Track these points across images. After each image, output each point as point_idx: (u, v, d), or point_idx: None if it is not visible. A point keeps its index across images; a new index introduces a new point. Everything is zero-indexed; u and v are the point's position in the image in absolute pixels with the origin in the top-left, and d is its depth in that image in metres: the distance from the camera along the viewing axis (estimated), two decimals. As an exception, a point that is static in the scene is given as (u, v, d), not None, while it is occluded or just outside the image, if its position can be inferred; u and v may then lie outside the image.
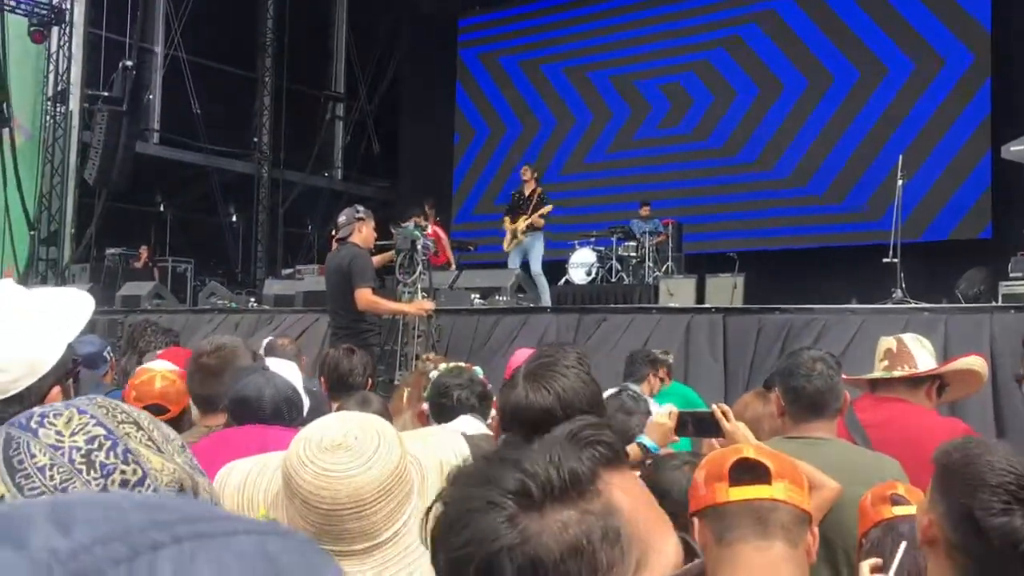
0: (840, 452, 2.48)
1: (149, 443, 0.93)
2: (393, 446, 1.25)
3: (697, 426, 2.46)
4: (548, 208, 10.69)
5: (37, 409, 0.94)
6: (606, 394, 2.91)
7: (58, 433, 0.90)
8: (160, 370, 2.90)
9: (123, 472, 0.90)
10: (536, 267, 10.59)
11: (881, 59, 13.52)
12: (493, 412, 2.83)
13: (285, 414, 2.19)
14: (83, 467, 0.89)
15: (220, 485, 1.33)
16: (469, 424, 2.78)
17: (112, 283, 13.09)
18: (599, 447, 0.78)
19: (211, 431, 2.41)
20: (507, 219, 10.93)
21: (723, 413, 2.41)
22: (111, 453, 0.90)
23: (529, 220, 10.64)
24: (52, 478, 0.88)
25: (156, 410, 2.51)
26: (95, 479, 0.88)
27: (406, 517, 1.26)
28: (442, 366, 2.96)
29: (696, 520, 1.67)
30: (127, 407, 0.97)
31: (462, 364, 3.02)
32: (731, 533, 1.59)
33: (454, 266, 11.00)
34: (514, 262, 10.65)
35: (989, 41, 12.61)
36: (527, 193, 10.82)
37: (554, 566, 0.71)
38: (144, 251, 15.24)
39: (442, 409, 2.78)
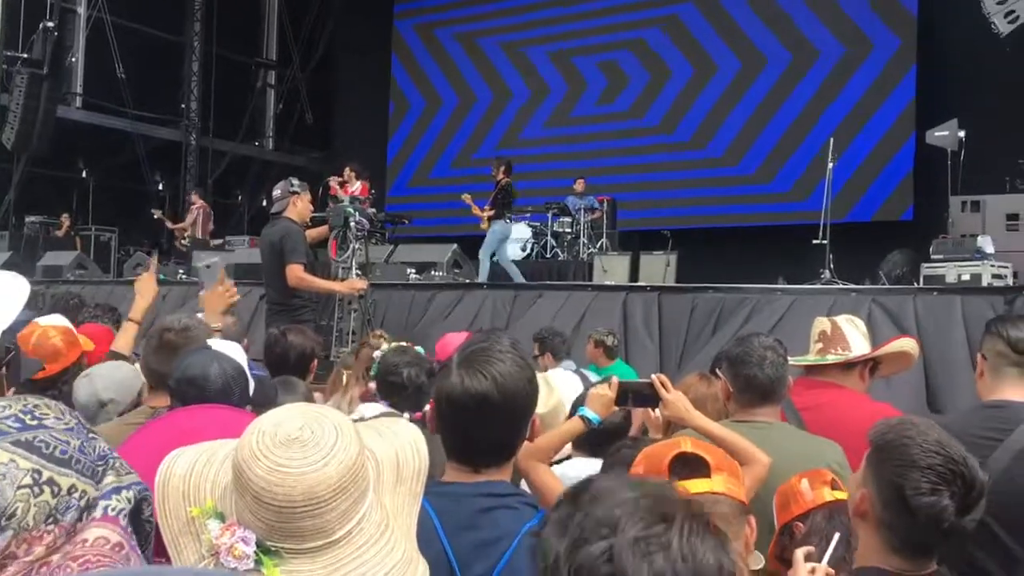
0: (786, 437, 2.54)
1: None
2: (351, 441, 1.21)
3: (637, 397, 2.48)
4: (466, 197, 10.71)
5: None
6: (569, 379, 2.93)
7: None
8: (46, 324, 2.86)
9: None
10: (492, 253, 10.57)
11: (813, 42, 13.76)
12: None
13: (232, 394, 2.14)
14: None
15: (166, 473, 1.27)
16: (369, 409, 2.77)
17: (32, 252, 12.67)
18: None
19: (156, 412, 2.35)
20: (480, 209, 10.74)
21: (662, 383, 2.43)
22: None
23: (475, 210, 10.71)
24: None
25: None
26: None
27: (361, 515, 1.22)
28: (384, 346, 2.94)
29: None
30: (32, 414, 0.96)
31: (404, 343, 3.00)
32: None
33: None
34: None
35: (916, 27, 12.93)
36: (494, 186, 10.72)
37: None
38: (66, 219, 14.74)
39: (391, 387, 2.77)
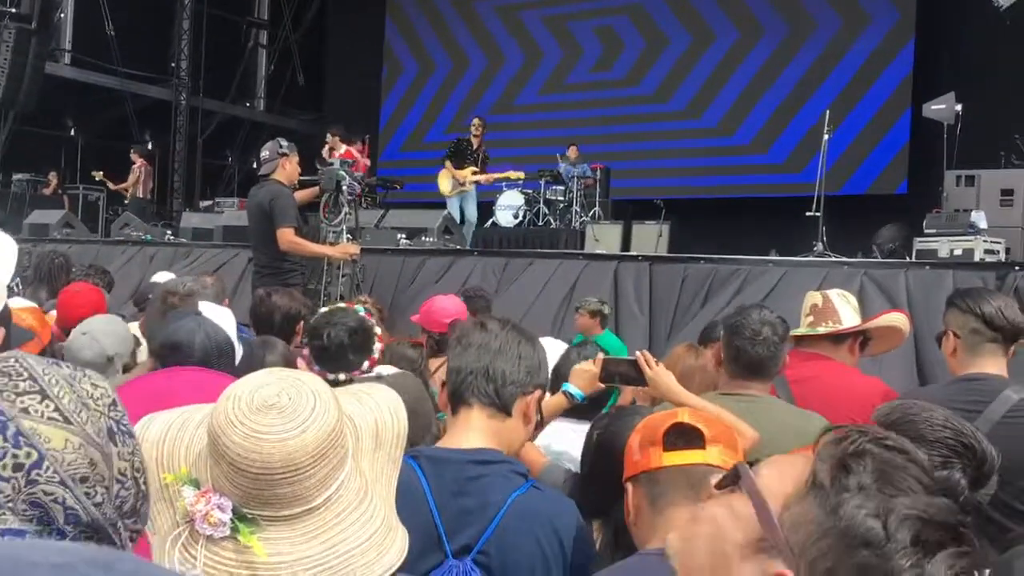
0: (773, 411, 2.51)
1: (54, 415, 0.85)
2: (329, 407, 1.18)
3: (621, 374, 2.46)
4: (519, 175, 11.30)
5: None
6: (560, 350, 2.90)
7: None
8: (17, 308, 2.82)
9: (15, 456, 0.82)
10: (471, 215, 10.99)
11: (811, 14, 13.64)
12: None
13: (214, 360, 2.11)
14: None
15: (138, 439, 1.24)
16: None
17: (19, 210, 12.55)
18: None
19: (134, 376, 2.32)
20: (449, 163, 11.03)
21: (645, 360, 2.40)
22: (0, 436, 0.82)
23: (487, 178, 11.13)
24: None
25: None
26: None
27: (340, 481, 1.20)
28: (323, 310, 2.87)
29: (630, 485, 1.66)
30: (39, 369, 0.88)
31: (342, 304, 2.94)
32: (664, 498, 1.59)
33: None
34: (453, 206, 10.79)
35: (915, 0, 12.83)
36: (475, 146, 11.02)
37: None
38: (53, 177, 14.61)
39: (316, 351, 2.71)
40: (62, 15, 15.78)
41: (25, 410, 0.84)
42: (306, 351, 2.75)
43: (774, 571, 0.85)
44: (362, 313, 2.81)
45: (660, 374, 2.39)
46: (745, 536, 0.88)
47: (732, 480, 0.93)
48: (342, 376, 2.59)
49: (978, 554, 0.81)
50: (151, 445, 1.24)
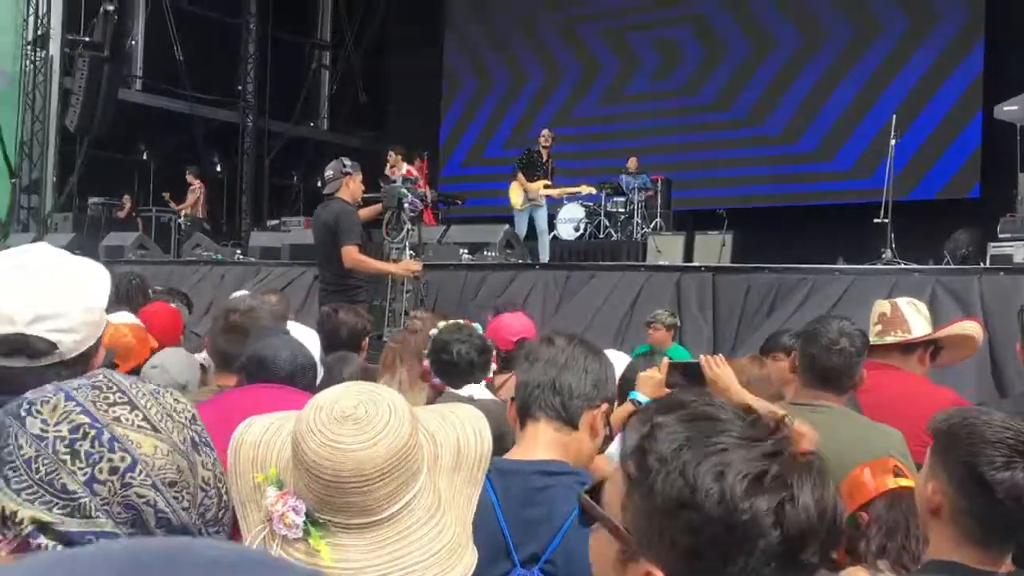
0: (846, 422, 2.45)
1: (143, 423, 0.90)
2: (404, 423, 1.22)
3: (686, 377, 2.48)
4: (590, 190, 11.25)
5: (29, 395, 0.91)
6: (624, 362, 2.92)
7: (43, 422, 0.87)
8: (118, 322, 2.91)
9: (111, 460, 0.87)
10: (544, 226, 10.83)
11: (876, 15, 13.38)
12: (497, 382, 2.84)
13: (298, 378, 2.17)
14: (67, 457, 0.86)
15: (238, 440, 1.32)
16: (476, 391, 2.79)
17: (95, 233, 12.96)
18: None
19: (221, 391, 2.39)
20: (521, 176, 10.77)
21: (708, 362, 2.43)
22: (96, 442, 0.87)
23: (559, 191, 11.05)
24: (38, 470, 0.85)
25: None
26: (80, 469, 0.86)
27: (411, 496, 1.23)
28: (441, 323, 2.95)
29: None
30: (126, 383, 0.93)
31: (461, 321, 3.02)
32: None
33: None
34: (522, 220, 10.69)
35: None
36: (545, 157, 10.89)
37: None
38: (127, 200, 15.07)
39: (443, 365, 2.83)
40: (134, 43, 16.32)
41: (117, 419, 0.89)
42: (427, 363, 2.83)
43: (642, 572, 0.90)
44: (481, 332, 2.96)
45: (722, 375, 2.40)
46: (614, 553, 0.93)
47: (585, 512, 1.00)
48: (473, 391, 2.69)
49: (793, 486, 0.86)
50: (249, 447, 1.30)
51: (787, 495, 0.85)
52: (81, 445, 0.87)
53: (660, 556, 0.88)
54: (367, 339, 3.94)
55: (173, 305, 4.33)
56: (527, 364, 1.86)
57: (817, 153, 13.76)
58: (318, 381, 2.37)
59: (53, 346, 1.33)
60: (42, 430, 0.87)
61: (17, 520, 0.84)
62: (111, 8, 13.62)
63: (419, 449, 1.25)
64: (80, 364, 1.35)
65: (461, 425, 1.36)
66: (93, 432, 0.88)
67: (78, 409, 0.88)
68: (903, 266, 7.08)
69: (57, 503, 0.85)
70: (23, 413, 0.88)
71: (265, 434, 1.32)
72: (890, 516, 1.84)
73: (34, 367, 1.31)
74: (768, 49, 14.26)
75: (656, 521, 0.88)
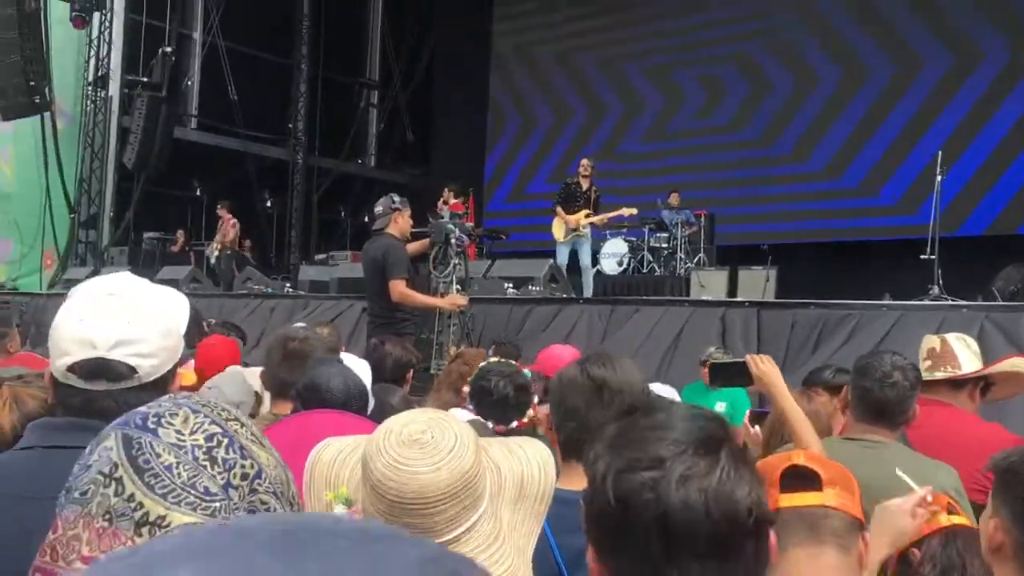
0: (898, 458, 2.38)
1: (252, 438, 0.97)
2: (468, 450, 1.27)
3: (730, 376, 2.56)
4: (631, 211, 10.95)
5: (148, 410, 0.96)
6: (669, 395, 2.98)
7: (178, 432, 0.93)
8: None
9: (243, 466, 0.93)
10: (587, 260, 10.67)
11: (919, 52, 13.36)
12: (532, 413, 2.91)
13: (351, 404, 2.27)
14: (207, 463, 0.92)
15: (314, 459, 1.39)
16: (458, 412, 2.86)
17: (150, 266, 13.27)
18: None
19: (278, 419, 2.49)
20: (560, 209, 10.60)
21: (754, 360, 2.50)
22: (229, 449, 0.94)
23: (600, 219, 10.75)
24: (179, 475, 0.91)
25: None
26: (219, 473, 0.92)
27: (470, 522, 1.27)
28: (493, 358, 3.04)
29: None
30: (226, 405, 1.02)
31: (512, 361, 3.10)
32: (783, 540, 1.61)
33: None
34: (563, 253, 10.54)
35: (1030, 34, 12.43)
36: (584, 187, 10.64)
37: None
38: (181, 235, 15.42)
39: (479, 392, 2.87)
40: (189, 82, 16.83)
41: (236, 431, 0.96)
42: (466, 388, 2.90)
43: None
44: (528, 377, 2.99)
45: (768, 372, 2.45)
46: None
47: None
48: (490, 425, 2.73)
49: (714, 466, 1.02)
50: (324, 465, 1.38)
51: None
52: (217, 452, 0.93)
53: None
54: (411, 371, 4.03)
55: (231, 337, 4.46)
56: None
57: (862, 188, 13.70)
58: (368, 410, 2.46)
59: (133, 370, 1.39)
60: (178, 439, 0.93)
61: (165, 524, 0.89)
62: (169, 50, 14.10)
63: (482, 478, 1.29)
64: (158, 388, 1.39)
65: (527, 459, 1.40)
66: (226, 441, 0.94)
67: (208, 420, 0.95)
68: (951, 302, 7.02)
69: (200, 505, 0.90)
70: (151, 425, 0.94)
71: (339, 455, 1.39)
72: (944, 554, 1.82)
73: (113, 390, 1.38)
74: (812, 86, 14.28)
75: (605, 519, 1.06)
